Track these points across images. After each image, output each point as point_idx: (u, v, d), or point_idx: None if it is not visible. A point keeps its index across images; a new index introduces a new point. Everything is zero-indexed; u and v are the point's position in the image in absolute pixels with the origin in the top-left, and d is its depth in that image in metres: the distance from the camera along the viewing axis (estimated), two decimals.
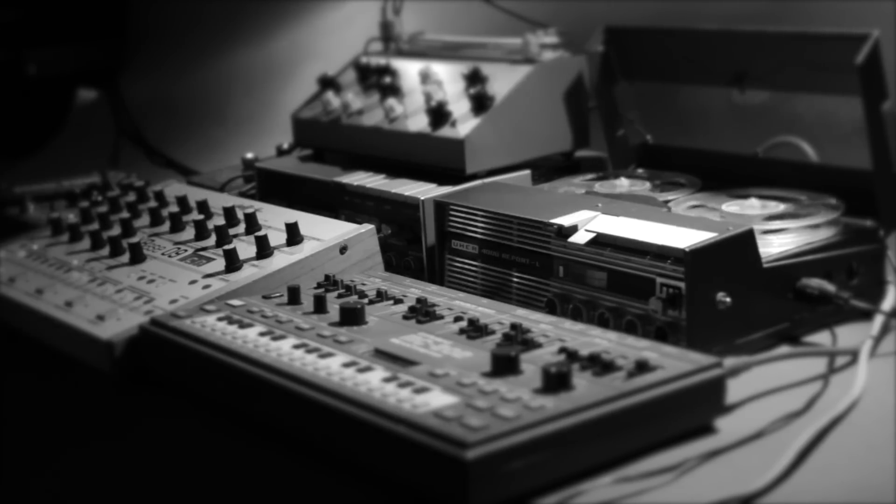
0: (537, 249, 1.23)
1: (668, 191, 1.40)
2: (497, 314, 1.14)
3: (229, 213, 1.40)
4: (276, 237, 1.32)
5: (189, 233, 1.40)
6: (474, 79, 1.47)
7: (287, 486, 0.96)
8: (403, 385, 0.97)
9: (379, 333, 1.10)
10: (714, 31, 1.43)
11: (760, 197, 1.32)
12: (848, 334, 1.18)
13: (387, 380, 0.99)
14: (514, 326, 1.08)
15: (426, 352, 1.05)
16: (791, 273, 1.18)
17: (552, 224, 1.21)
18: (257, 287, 1.25)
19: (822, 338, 1.19)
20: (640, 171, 1.52)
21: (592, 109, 1.53)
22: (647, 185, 1.43)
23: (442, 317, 1.14)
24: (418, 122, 1.46)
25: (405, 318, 1.14)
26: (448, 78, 1.51)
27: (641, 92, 1.55)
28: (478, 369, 1.00)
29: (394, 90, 1.54)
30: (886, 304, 1.20)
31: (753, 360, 1.04)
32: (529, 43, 1.50)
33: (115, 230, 1.44)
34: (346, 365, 1.02)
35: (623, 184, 1.43)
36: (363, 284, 1.25)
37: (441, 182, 1.39)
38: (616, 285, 1.16)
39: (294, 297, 1.20)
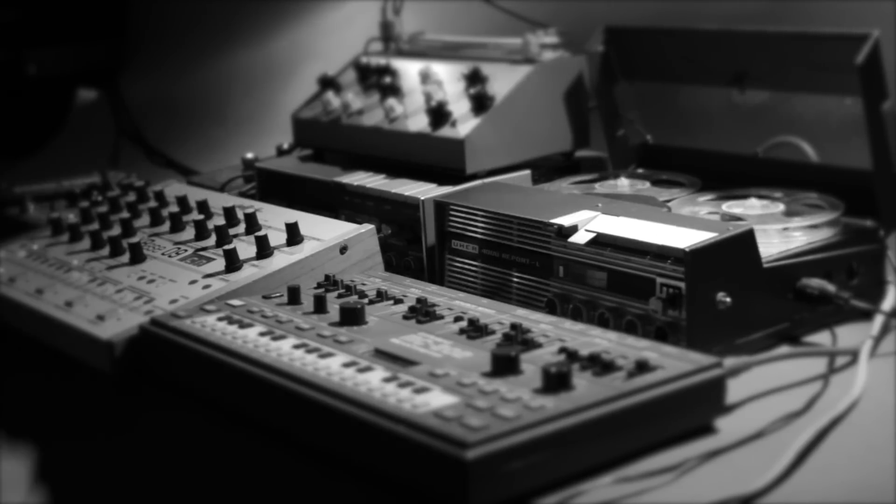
0: (537, 249, 1.23)
1: (667, 189, 1.40)
2: (497, 314, 1.14)
3: (229, 213, 1.40)
4: (276, 237, 1.32)
5: (189, 233, 1.40)
6: (474, 79, 1.47)
7: (287, 487, 0.96)
8: (403, 385, 0.97)
9: (379, 333, 1.10)
10: (714, 31, 1.43)
11: (760, 197, 1.32)
12: (848, 334, 1.18)
13: (387, 380, 0.99)
14: (514, 326, 1.08)
15: (426, 352, 1.05)
16: (791, 273, 1.18)
17: (552, 224, 1.21)
18: (257, 287, 1.25)
19: (822, 338, 1.19)
20: (640, 171, 1.52)
21: (592, 109, 1.53)
22: (647, 184, 1.43)
23: (442, 317, 1.14)
24: (418, 122, 1.46)
25: (405, 318, 1.14)
26: (448, 78, 1.51)
27: (641, 92, 1.55)
28: (478, 369, 1.00)
29: (394, 90, 1.54)
30: (886, 304, 1.19)
31: (753, 360, 1.04)
32: (529, 43, 1.50)
33: (115, 230, 1.44)
34: (346, 365, 1.02)
35: (623, 184, 1.43)
36: (363, 284, 1.25)
37: (441, 182, 1.39)
38: (616, 285, 1.16)
39: (294, 297, 1.20)
